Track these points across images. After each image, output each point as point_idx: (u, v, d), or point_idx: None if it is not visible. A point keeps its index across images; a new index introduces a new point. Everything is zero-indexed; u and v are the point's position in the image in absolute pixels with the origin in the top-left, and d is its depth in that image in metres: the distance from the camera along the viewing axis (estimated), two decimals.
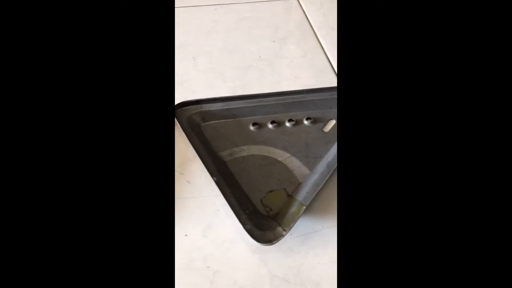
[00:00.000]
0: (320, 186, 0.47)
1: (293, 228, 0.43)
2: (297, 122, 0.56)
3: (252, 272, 0.42)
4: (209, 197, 0.48)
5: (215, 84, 0.63)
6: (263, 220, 0.45)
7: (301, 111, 0.58)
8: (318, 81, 0.64)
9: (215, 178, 0.47)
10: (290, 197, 0.47)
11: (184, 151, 0.52)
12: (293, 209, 0.45)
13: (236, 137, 0.54)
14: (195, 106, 0.57)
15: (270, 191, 0.48)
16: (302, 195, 0.47)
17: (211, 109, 0.57)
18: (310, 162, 0.51)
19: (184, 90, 0.61)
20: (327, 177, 0.48)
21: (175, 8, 0.77)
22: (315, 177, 0.49)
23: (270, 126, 0.56)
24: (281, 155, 0.52)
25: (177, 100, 0.57)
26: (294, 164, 0.51)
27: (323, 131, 0.55)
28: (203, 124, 0.56)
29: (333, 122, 0.56)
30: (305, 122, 0.56)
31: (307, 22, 0.78)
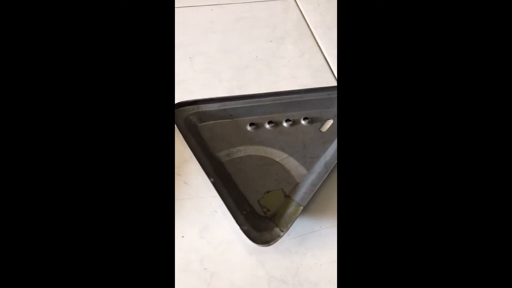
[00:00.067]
0: (318, 186, 0.46)
1: (290, 229, 0.43)
2: (295, 122, 0.56)
3: (249, 273, 0.41)
4: (206, 198, 0.47)
5: (212, 84, 0.63)
6: (261, 221, 0.44)
7: (299, 111, 0.57)
8: (315, 81, 0.64)
9: (212, 179, 0.46)
10: (288, 197, 0.47)
11: (181, 152, 0.52)
12: (291, 209, 0.45)
13: (233, 138, 0.54)
14: (192, 106, 0.56)
15: (268, 192, 0.48)
16: (300, 195, 0.46)
17: (208, 109, 0.57)
18: (308, 162, 0.51)
19: (181, 91, 0.61)
20: (325, 177, 0.47)
21: None
22: (312, 177, 0.48)
23: (267, 126, 0.55)
24: (279, 155, 0.52)
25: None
26: (292, 164, 0.51)
27: (320, 131, 0.55)
28: (200, 124, 0.55)
29: (330, 122, 0.56)
30: (303, 122, 0.56)
31: (304, 21, 0.78)
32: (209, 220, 0.45)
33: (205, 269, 0.41)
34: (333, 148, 0.52)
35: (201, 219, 0.45)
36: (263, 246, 0.42)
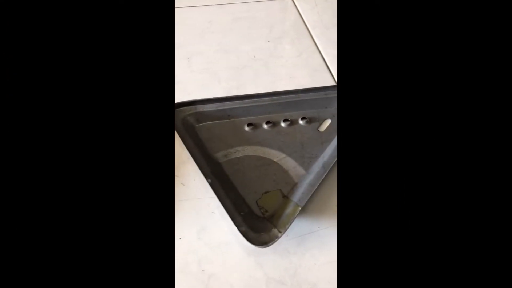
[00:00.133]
0: (316, 187, 0.46)
1: (289, 230, 0.42)
2: (292, 122, 0.56)
3: (247, 274, 0.41)
4: (203, 199, 0.47)
5: (209, 84, 0.63)
6: (259, 222, 0.44)
7: (296, 111, 0.57)
8: (313, 81, 0.64)
9: (209, 180, 0.46)
10: (286, 198, 0.47)
11: (179, 153, 0.52)
12: (289, 210, 0.45)
13: (231, 138, 0.53)
14: (190, 107, 0.56)
15: (266, 192, 0.47)
16: (298, 195, 0.46)
17: (205, 110, 0.56)
18: (306, 162, 0.51)
19: (179, 91, 0.60)
20: (323, 177, 0.47)
21: None
22: (310, 177, 0.48)
23: (265, 126, 0.55)
24: (277, 156, 0.52)
25: None
26: (290, 164, 0.51)
27: (318, 130, 0.55)
28: (197, 125, 0.55)
29: (328, 122, 0.56)
30: (300, 122, 0.56)
31: (301, 21, 0.77)
32: (206, 221, 0.45)
33: (202, 270, 0.41)
34: (331, 148, 0.52)
35: (198, 220, 0.45)
36: (261, 247, 0.42)
